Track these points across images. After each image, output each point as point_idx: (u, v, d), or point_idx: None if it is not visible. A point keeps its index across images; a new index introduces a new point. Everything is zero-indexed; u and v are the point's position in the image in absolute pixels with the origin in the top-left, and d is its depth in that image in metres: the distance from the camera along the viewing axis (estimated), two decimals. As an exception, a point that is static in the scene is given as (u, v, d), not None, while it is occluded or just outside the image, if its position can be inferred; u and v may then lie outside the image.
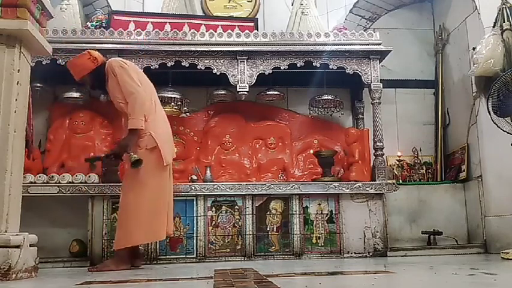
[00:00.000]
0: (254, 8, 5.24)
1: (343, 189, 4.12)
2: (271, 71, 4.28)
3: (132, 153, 3.19)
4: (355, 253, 4.10)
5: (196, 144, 4.72)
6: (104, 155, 3.64)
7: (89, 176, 4.01)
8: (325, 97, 4.62)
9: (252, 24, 4.73)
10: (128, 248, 3.25)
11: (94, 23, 4.51)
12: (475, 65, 3.92)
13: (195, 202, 4.05)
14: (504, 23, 3.82)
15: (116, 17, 4.52)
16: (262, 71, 4.26)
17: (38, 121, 4.38)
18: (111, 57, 3.59)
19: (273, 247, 4.08)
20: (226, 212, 4.08)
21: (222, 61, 4.26)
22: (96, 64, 3.36)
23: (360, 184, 4.13)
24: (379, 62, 4.39)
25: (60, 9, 4.53)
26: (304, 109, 4.85)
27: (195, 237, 3.99)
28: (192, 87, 4.64)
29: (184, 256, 3.96)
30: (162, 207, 3.31)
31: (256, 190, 4.07)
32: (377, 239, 4.13)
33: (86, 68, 3.36)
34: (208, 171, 4.26)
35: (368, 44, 4.35)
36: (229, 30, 4.34)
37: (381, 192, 4.16)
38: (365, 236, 4.13)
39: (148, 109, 3.29)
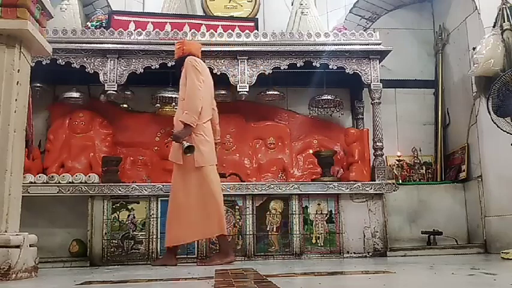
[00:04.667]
0: (254, 8, 5.24)
1: (343, 189, 4.12)
2: (271, 71, 4.28)
3: (184, 142, 3.40)
4: (354, 253, 4.10)
5: (197, 144, 4.71)
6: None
7: (89, 176, 4.02)
8: (325, 97, 4.63)
9: (252, 24, 4.73)
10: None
11: (94, 23, 4.51)
12: (475, 65, 3.92)
13: (195, 202, 4.05)
14: (504, 23, 3.82)
15: (116, 17, 4.52)
16: (262, 71, 4.27)
17: (38, 121, 4.38)
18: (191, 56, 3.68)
19: (273, 247, 4.08)
20: (226, 212, 4.07)
21: (222, 61, 4.27)
22: (180, 54, 3.65)
23: (359, 184, 4.13)
24: (379, 62, 4.40)
25: (60, 9, 4.53)
26: (304, 109, 4.85)
27: (195, 237, 3.99)
28: (192, 87, 4.64)
29: (185, 256, 3.96)
30: (218, 201, 3.57)
31: (256, 190, 4.08)
32: (377, 239, 4.13)
33: (176, 53, 3.70)
34: (208, 171, 4.25)
35: (368, 44, 4.35)
36: (230, 30, 4.35)
37: (381, 192, 4.16)
38: (365, 236, 4.13)
39: (204, 113, 3.53)
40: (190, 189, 3.48)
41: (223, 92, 4.56)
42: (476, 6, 4.32)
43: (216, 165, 3.69)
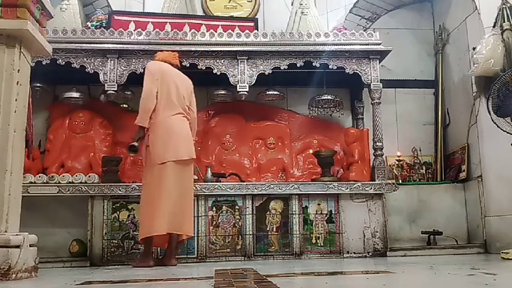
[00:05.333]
0: (254, 8, 5.24)
1: (343, 189, 4.12)
2: (271, 71, 4.28)
3: (134, 143, 3.52)
4: (354, 253, 4.10)
5: (197, 144, 4.68)
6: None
7: (89, 176, 4.02)
8: (325, 97, 4.63)
9: (252, 24, 4.73)
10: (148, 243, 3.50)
11: (94, 23, 4.51)
12: (475, 65, 3.93)
13: (196, 202, 4.05)
14: (504, 23, 3.82)
15: (116, 17, 4.52)
16: (262, 71, 4.27)
17: (38, 121, 4.39)
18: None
19: (273, 247, 4.08)
20: (226, 212, 4.08)
21: (222, 61, 4.27)
22: None
23: (359, 184, 4.13)
24: (379, 62, 4.40)
25: (60, 9, 4.53)
26: (304, 109, 4.85)
27: (196, 237, 3.99)
28: (192, 87, 4.64)
29: (185, 256, 3.96)
30: (155, 201, 3.42)
31: (256, 190, 4.08)
32: (376, 239, 4.13)
33: None
34: (209, 171, 4.27)
35: (368, 44, 4.35)
36: (230, 30, 4.35)
37: (381, 192, 4.16)
38: (364, 236, 4.13)
39: (160, 109, 3.53)
40: (143, 187, 3.55)
41: (223, 92, 4.57)
42: (476, 6, 4.32)
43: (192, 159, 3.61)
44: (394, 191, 4.18)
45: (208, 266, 3.38)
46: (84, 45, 4.13)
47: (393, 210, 4.52)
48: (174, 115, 3.57)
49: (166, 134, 3.51)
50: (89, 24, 4.52)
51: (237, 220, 4.08)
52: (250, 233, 4.05)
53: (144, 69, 4.14)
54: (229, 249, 4.03)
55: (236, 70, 4.26)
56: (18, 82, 2.55)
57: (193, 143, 3.67)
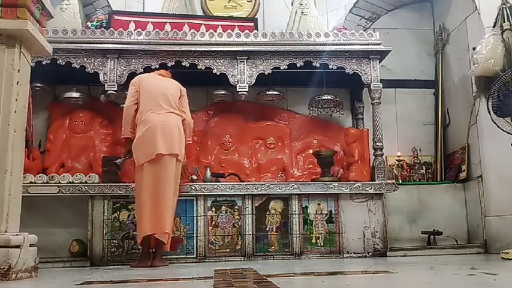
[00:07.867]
0: (254, 8, 5.24)
1: (343, 189, 4.12)
2: (270, 71, 4.28)
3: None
4: (354, 253, 4.10)
5: (196, 144, 4.72)
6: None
7: (89, 176, 4.02)
8: (324, 97, 4.63)
9: (251, 24, 4.73)
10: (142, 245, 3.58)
11: (94, 23, 4.51)
12: (475, 65, 3.93)
13: (195, 202, 4.06)
14: (504, 23, 3.82)
15: (116, 17, 4.52)
16: (262, 71, 4.27)
17: (38, 121, 4.39)
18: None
19: (273, 247, 4.08)
20: (226, 212, 4.08)
21: (222, 61, 4.27)
22: None
23: (359, 184, 4.13)
24: (379, 62, 4.40)
25: (60, 9, 4.54)
26: (304, 109, 4.85)
27: (195, 237, 4.00)
28: (192, 87, 4.60)
29: (184, 256, 3.96)
30: (141, 203, 3.50)
31: (255, 190, 4.08)
32: (376, 239, 4.13)
33: None
34: (208, 171, 4.26)
35: (368, 44, 4.35)
36: (229, 30, 4.35)
37: (381, 192, 4.16)
38: (364, 236, 4.13)
39: (141, 113, 3.62)
40: (135, 189, 3.69)
41: (222, 92, 4.57)
42: (476, 6, 4.32)
43: (171, 154, 3.54)
44: (394, 191, 4.18)
45: (207, 266, 3.38)
46: (84, 45, 4.13)
47: (393, 210, 4.52)
48: (157, 112, 3.58)
49: (145, 133, 3.52)
50: (89, 24, 4.52)
51: (237, 220, 4.08)
52: (250, 233, 4.05)
53: (144, 69, 4.18)
54: (228, 249, 4.03)
55: (236, 70, 4.26)
56: (18, 82, 2.55)
57: (178, 140, 3.59)
